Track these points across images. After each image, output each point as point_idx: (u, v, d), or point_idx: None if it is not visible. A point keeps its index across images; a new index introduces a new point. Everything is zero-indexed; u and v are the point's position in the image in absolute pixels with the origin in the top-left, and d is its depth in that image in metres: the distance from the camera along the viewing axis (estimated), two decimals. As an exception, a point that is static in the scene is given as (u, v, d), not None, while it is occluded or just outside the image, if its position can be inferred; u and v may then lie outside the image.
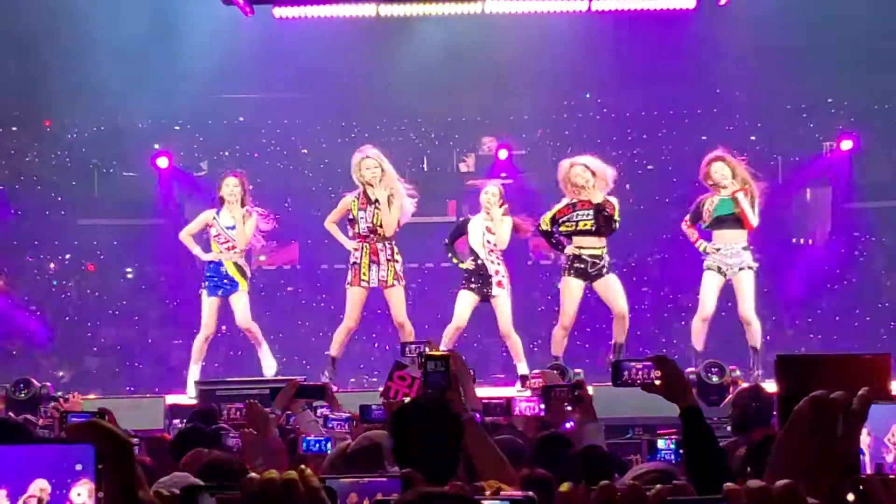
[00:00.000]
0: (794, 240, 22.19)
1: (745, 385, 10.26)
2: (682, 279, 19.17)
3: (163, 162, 19.44)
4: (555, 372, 10.74)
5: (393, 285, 13.50)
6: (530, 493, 2.58)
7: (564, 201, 13.54)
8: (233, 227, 13.79)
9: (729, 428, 8.43)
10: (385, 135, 21.69)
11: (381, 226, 13.37)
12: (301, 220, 20.18)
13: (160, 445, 7.64)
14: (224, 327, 15.59)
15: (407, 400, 6.16)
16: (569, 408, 7.48)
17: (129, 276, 22.18)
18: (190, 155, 21.69)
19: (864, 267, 21.47)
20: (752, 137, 21.70)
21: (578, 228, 13.40)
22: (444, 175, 21.97)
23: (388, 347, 14.78)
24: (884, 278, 21.48)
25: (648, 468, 4.38)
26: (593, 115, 21.94)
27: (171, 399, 13.44)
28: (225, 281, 13.85)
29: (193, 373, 13.91)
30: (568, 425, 7.33)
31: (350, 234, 13.68)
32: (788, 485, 1.93)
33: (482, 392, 8.23)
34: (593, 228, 13.33)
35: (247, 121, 21.98)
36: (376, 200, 13.37)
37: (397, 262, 13.55)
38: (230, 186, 13.84)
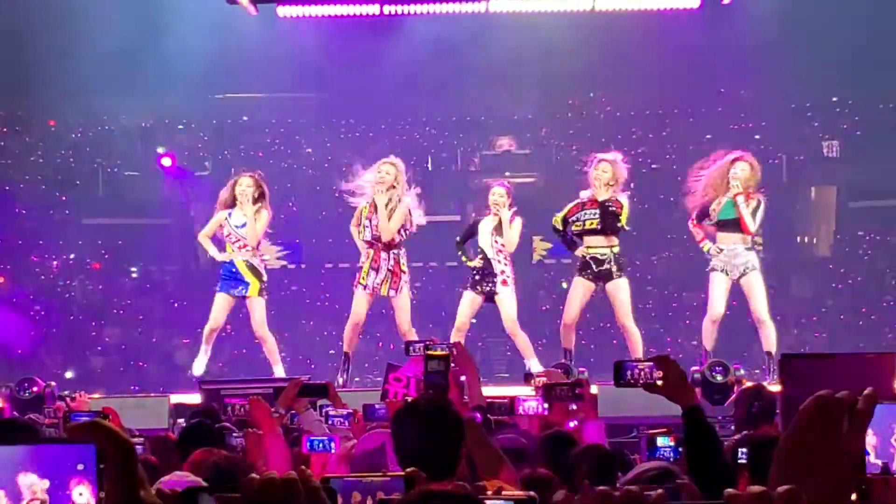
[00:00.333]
0: (798, 238, 22.17)
1: (748, 384, 10.24)
2: (687, 278, 19.17)
3: (166, 161, 19.46)
4: (559, 371, 10.75)
5: (388, 295, 13.52)
6: (532, 493, 2.57)
7: (576, 200, 13.55)
8: (243, 226, 13.76)
9: (732, 427, 8.43)
10: (389, 134, 21.71)
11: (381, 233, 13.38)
12: (305, 220, 20.20)
13: (165, 445, 7.63)
14: (229, 327, 15.59)
15: (409, 400, 6.16)
16: (573, 406, 7.49)
17: (134, 275, 22.20)
18: (194, 154, 21.71)
19: (870, 266, 21.46)
20: (757, 136, 21.68)
21: (586, 228, 13.39)
22: (449, 174, 21.97)
23: (392, 346, 14.78)
24: (889, 277, 21.46)
25: (650, 467, 4.37)
26: (598, 115, 21.93)
27: (176, 398, 13.45)
28: (237, 280, 13.85)
29: (201, 361, 13.95)
30: (572, 424, 7.33)
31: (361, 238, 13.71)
32: (791, 490, 1.92)
33: (486, 391, 8.22)
34: (599, 227, 13.31)
35: (251, 120, 21.99)
36: (382, 206, 13.38)
37: (404, 272, 13.52)
38: (243, 186, 13.83)
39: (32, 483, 2.00)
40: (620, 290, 13.42)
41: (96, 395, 13.13)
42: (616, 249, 13.42)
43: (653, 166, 21.47)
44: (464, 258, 13.90)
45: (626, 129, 21.81)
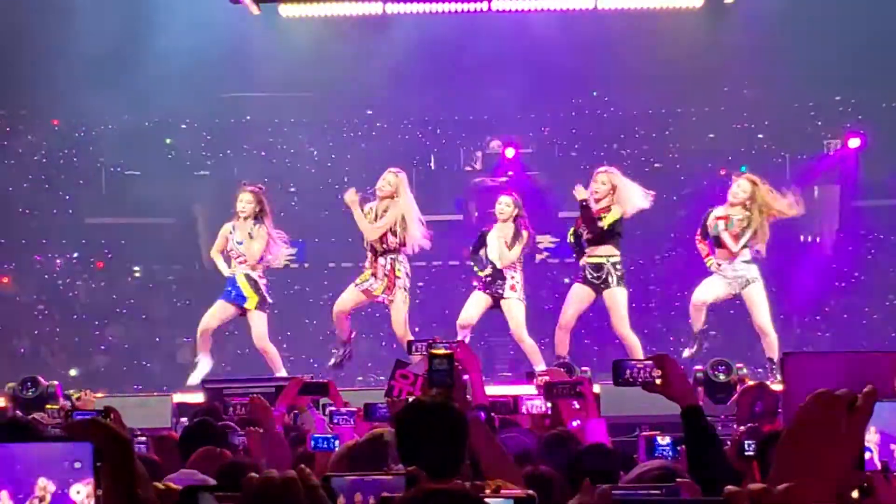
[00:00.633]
0: (802, 238, 22.16)
1: (751, 383, 10.25)
2: (690, 277, 19.14)
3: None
4: (562, 370, 10.76)
5: (382, 301, 13.60)
6: (531, 492, 2.57)
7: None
8: (241, 243, 13.85)
9: (735, 426, 8.43)
10: (392, 133, 21.71)
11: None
12: (308, 219, 20.19)
13: (168, 444, 7.64)
14: (231, 326, 15.60)
15: (412, 398, 6.15)
16: (576, 405, 7.49)
17: (137, 274, 22.20)
18: (197, 153, 21.71)
19: (873, 265, 21.44)
20: (760, 136, 21.70)
21: (585, 238, 13.51)
22: (451, 173, 21.96)
23: (394, 346, 14.77)
24: (892, 276, 21.44)
25: (652, 466, 4.37)
26: (601, 114, 21.92)
27: (179, 397, 13.46)
28: (237, 293, 13.94)
29: (203, 364, 13.97)
30: (575, 423, 7.34)
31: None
32: (790, 487, 1.92)
33: (489, 390, 8.23)
34: (591, 237, 13.43)
35: (254, 119, 21.98)
36: (380, 213, 13.44)
37: (398, 278, 13.56)
38: (243, 202, 13.88)
39: (35, 481, 2.00)
40: (615, 299, 13.50)
41: (100, 395, 13.14)
42: (614, 259, 13.48)
43: (655, 165, 21.46)
44: (475, 268, 13.97)
45: (629, 128, 21.80)
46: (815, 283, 20.93)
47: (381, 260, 13.52)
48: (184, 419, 11.70)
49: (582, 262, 13.65)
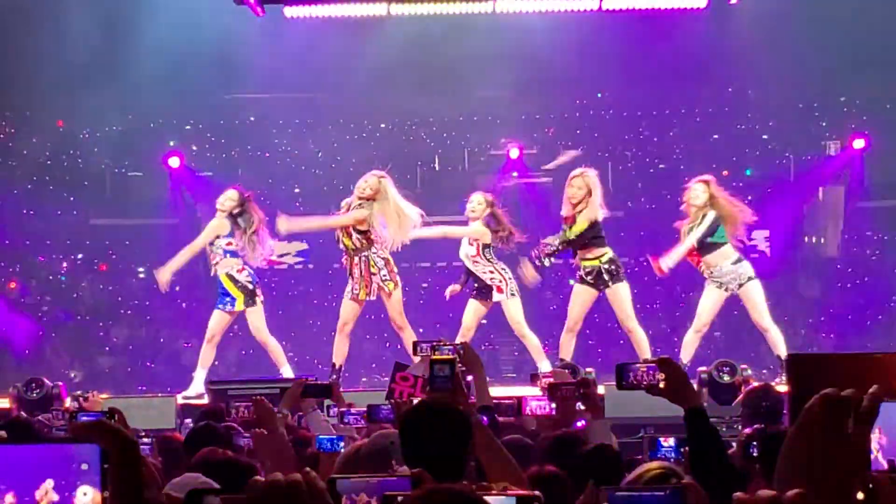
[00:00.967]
0: (806, 238, 22.15)
1: (755, 384, 10.25)
2: (694, 278, 19.13)
3: (174, 162, 19.48)
4: (566, 371, 10.75)
5: (370, 299, 13.63)
6: (537, 493, 2.57)
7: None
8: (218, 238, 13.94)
9: (740, 427, 8.42)
10: (396, 134, 21.71)
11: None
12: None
13: (171, 445, 7.64)
14: (235, 326, 15.61)
15: (415, 401, 6.16)
16: (581, 406, 7.48)
17: (141, 275, 22.19)
18: (202, 154, 21.71)
19: (878, 266, 21.42)
20: (764, 136, 21.68)
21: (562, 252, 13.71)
22: (456, 174, 21.94)
23: (399, 347, 14.78)
24: (896, 277, 21.43)
25: (653, 467, 4.38)
26: (605, 114, 21.92)
27: (183, 399, 13.48)
28: (224, 294, 13.97)
29: (199, 376, 13.99)
30: (579, 424, 7.33)
31: None
32: (799, 494, 1.92)
33: (493, 391, 8.22)
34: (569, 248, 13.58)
35: (258, 120, 21.98)
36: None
37: (373, 273, 13.55)
38: (224, 198, 13.95)
39: (39, 483, 2.00)
40: (617, 296, 13.54)
41: (104, 396, 13.16)
42: (605, 258, 13.50)
43: (660, 166, 21.46)
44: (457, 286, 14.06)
45: (634, 128, 21.80)
46: (820, 284, 20.91)
47: (354, 259, 13.54)
48: (188, 420, 11.71)
49: (574, 262, 13.67)
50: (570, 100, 21.72)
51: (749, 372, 12.72)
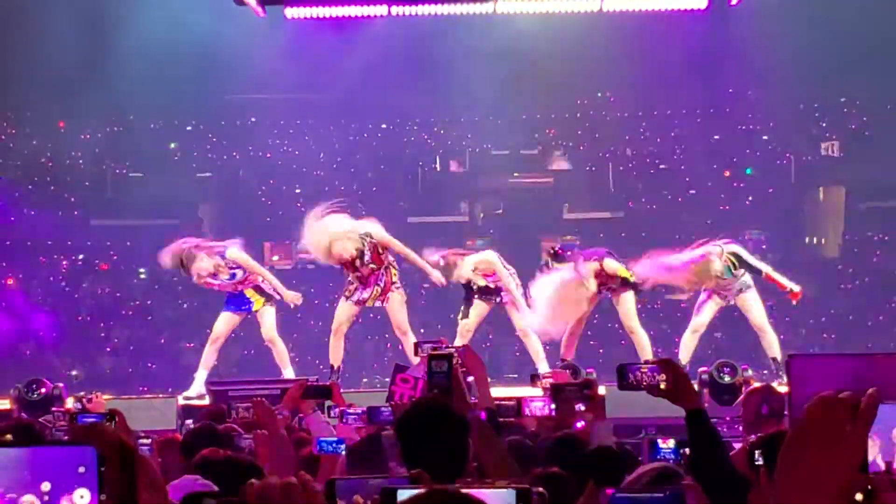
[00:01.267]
0: (806, 239, 22.15)
1: (756, 385, 10.24)
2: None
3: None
4: (567, 371, 10.75)
5: (368, 305, 13.72)
6: (540, 489, 2.57)
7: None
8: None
9: (741, 427, 8.41)
10: (397, 135, 21.71)
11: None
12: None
13: (171, 446, 7.63)
14: (237, 328, 15.61)
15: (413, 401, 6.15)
16: (581, 407, 7.47)
17: (142, 276, 22.20)
18: (203, 155, 21.72)
19: (878, 266, 21.42)
20: (765, 137, 21.69)
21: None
22: (457, 175, 21.95)
23: (400, 347, 14.78)
24: (897, 278, 21.43)
25: (653, 467, 4.38)
26: (605, 115, 21.92)
27: (184, 399, 13.47)
28: (246, 305, 14.06)
29: (200, 377, 13.99)
30: (579, 425, 7.32)
31: None
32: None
33: (494, 392, 8.21)
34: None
35: (259, 121, 21.99)
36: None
37: (394, 282, 13.64)
38: (199, 266, 13.93)
39: (35, 485, 2.00)
40: (622, 301, 13.59)
41: (106, 396, 13.15)
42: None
43: (661, 167, 21.47)
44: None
45: (635, 129, 21.81)
46: (820, 285, 20.90)
47: (379, 271, 13.58)
48: (189, 421, 11.70)
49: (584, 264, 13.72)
50: (571, 100, 21.72)
51: (750, 372, 12.71)
